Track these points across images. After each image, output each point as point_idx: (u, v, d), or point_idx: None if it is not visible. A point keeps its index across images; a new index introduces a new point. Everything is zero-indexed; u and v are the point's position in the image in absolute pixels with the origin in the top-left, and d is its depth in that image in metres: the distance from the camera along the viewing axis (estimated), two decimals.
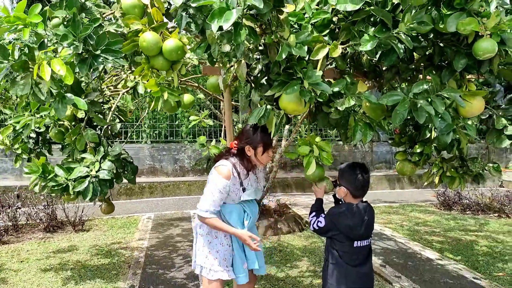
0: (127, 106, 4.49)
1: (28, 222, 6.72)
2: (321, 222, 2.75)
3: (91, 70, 2.32)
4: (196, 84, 5.23)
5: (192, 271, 4.65)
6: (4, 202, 6.99)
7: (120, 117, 4.14)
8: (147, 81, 2.68)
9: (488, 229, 6.34)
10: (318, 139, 3.04)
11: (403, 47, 2.53)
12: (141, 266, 4.85)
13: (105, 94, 4.10)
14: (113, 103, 4.03)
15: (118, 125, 4.04)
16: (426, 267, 4.73)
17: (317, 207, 2.87)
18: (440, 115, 2.50)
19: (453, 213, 7.47)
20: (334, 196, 2.96)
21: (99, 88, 3.39)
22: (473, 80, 3.36)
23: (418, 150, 3.46)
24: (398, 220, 7.00)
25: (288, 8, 2.45)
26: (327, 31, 2.67)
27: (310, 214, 2.85)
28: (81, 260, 5.09)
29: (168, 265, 4.88)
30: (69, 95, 2.68)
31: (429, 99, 2.48)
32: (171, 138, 10.40)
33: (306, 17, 2.57)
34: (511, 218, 6.93)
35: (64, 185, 3.22)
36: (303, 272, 4.61)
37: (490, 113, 3.18)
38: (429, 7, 2.38)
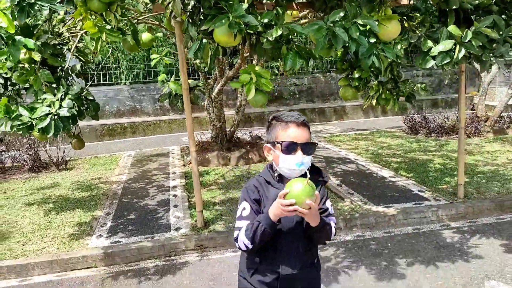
0: (88, 47, 4.64)
1: (14, 164, 7.06)
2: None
3: (29, 16, 2.51)
4: (157, 22, 5.35)
5: (164, 199, 5.08)
6: None
7: (80, 57, 4.32)
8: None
9: (446, 149, 6.75)
10: (257, 67, 3.28)
11: None
12: (118, 197, 5.27)
13: (63, 36, 4.24)
14: (72, 45, 4.20)
15: (78, 66, 4.25)
16: (378, 184, 5.17)
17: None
18: (356, 41, 2.75)
19: (419, 136, 7.86)
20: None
21: (50, 30, 3.55)
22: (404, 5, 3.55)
23: (357, 75, 3.73)
24: (365, 145, 7.40)
25: None
26: None
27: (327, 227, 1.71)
28: (63, 194, 5.49)
29: (142, 195, 5.30)
30: (18, 37, 2.87)
31: (347, 26, 2.71)
32: (150, 78, 10.51)
33: None
34: (471, 138, 7.33)
35: (29, 124, 3.50)
36: None
37: (419, 35, 3.41)
38: None
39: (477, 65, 7.98)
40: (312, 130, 9.38)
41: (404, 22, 3.48)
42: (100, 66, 10.24)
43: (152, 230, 4.19)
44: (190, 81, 4.17)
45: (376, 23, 2.78)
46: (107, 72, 10.33)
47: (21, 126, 3.50)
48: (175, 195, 5.21)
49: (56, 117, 3.51)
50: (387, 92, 3.72)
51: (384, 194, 4.80)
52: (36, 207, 5.04)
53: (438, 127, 7.75)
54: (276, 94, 10.81)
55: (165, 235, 4.06)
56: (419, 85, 3.65)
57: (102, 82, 10.27)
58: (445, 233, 4.02)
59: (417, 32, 3.37)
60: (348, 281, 3.28)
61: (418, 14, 3.39)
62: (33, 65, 3.46)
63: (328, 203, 1.77)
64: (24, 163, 6.97)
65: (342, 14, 2.69)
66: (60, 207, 5.00)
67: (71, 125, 3.66)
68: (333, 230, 1.73)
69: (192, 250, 3.92)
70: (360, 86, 3.81)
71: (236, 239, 1.67)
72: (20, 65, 3.76)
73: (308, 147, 1.64)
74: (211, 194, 5.15)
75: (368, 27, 2.79)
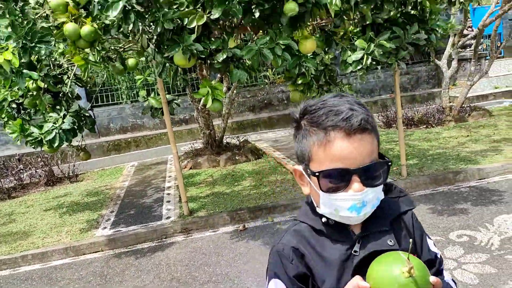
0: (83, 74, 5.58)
1: (31, 180, 8.03)
2: None
3: (32, 55, 3.44)
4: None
5: (159, 197, 5.98)
6: (9, 167, 8.30)
7: (78, 83, 5.26)
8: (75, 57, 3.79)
9: (410, 138, 7.53)
10: (213, 82, 4.17)
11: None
12: (120, 198, 6.18)
13: (63, 67, 5.20)
14: (71, 73, 5.15)
15: (76, 90, 5.20)
16: None
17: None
18: (280, 56, 3.62)
19: (391, 130, 8.65)
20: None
21: (50, 64, 4.50)
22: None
23: (300, 82, 4.60)
24: None
25: None
26: (199, 5, 3.73)
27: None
28: (74, 200, 6.43)
29: (141, 195, 6.21)
30: (25, 71, 3.82)
31: (271, 47, 3.59)
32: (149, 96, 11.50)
33: None
34: (434, 127, 8.10)
35: (39, 139, 4.44)
36: (245, 187, 5.91)
37: (342, 48, 4.27)
38: None
39: (438, 62, 8.79)
40: None
41: (334, 37, 4.35)
42: (103, 88, 11.26)
43: (147, 220, 5.09)
44: (167, 96, 5.07)
45: (295, 42, 3.65)
46: (109, 93, 11.35)
47: (33, 141, 4.45)
48: (168, 193, 6.11)
49: (60, 130, 4.45)
50: (325, 93, 4.57)
51: None
52: (52, 212, 5.97)
53: (407, 120, 8.54)
54: (265, 101, 11.69)
55: (157, 223, 4.95)
56: (346, 86, 4.50)
57: (106, 103, 11.28)
58: None
59: (340, 44, 4.23)
60: None
61: (340, 29, 4.25)
62: (39, 91, 4.40)
63: (430, 244, 1.12)
64: (40, 178, 7.95)
65: (267, 38, 3.57)
66: (72, 210, 5.93)
67: (72, 137, 4.60)
68: (452, 286, 1.06)
69: (179, 233, 4.79)
70: (305, 89, 4.68)
71: None
72: (30, 93, 4.73)
73: (373, 172, 0.95)
74: (199, 190, 6.04)
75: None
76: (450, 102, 8.61)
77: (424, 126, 8.30)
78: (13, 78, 4.01)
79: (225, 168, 7.23)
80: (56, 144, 4.27)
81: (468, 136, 7.01)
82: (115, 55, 5.11)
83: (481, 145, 6.37)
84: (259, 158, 7.73)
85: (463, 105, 8.44)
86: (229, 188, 5.97)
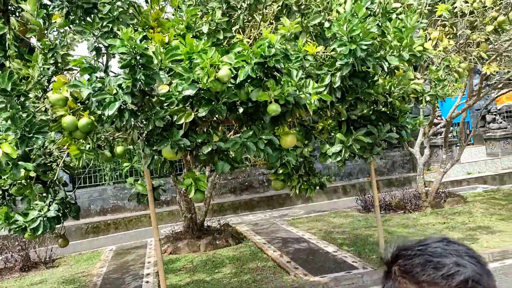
0: (73, 161, 5.73)
1: (6, 265, 7.76)
2: None
3: (28, 146, 3.61)
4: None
5: (137, 286, 5.87)
6: None
7: (66, 170, 5.39)
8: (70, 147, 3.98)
9: (389, 224, 7.72)
10: (197, 173, 4.36)
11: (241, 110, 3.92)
12: (97, 287, 6.02)
13: (53, 155, 5.35)
14: (60, 161, 5.29)
15: (64, 177, 5.30)
16: (321, 258, 6.06)
17: None
18: (263, 150, 3.88)
19: (370, 214, 8.85)
20: None
21: (43, 154, 4.66)
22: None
23: (281, 172, 4.84)
24: (320, 226, 8.34)
25: (163, 88, 3.83)
26: (188, 103, 4.03)
27: None
28: None
29: (119, 283, 6.07)
30: (20, 162, 3.96)
31: (254, 141, 3.86)
32: (132, 177, 11.60)
33: (174, 96, 3.91)
34: (411, 213, 8.35)
35: (23, 226, 4.45)
36: (225, 274, 5.87)
37: (321, 141, 4.59)
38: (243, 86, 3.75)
39: (411, 149, 9.27)
40: (278, 214, 10.35)
41: (313, 131, 4.68)
42: (86, 170, 11.34)
43: None
44: (153, 182, 5.22)
45: (276, 138, 3.94)
46: (92, 175, 11.41)
47: (17, 229, 4.45)
48: (147, 282, 6.00)
49: (44, 218, 4.48)
50: (305, 183, 4.80)
51: (324, 266, 5.68)
52: None
53: (385, 204, 8.79)
54: (246, 184, 11.89)
55: None
56: (325, 177, 4.76)
57: (88, 184, 11.29)
58: None
59: (319, 138, 4.55)
60: None
61: (319, 124, 4.60)
62: (28, 180, 4.50)
63: None
64: (16, 263, 7.70)
65: (251, 132, 3.85)
66: None
67: (56, 225, 4.62)
68: None
69: None
70: (286, 179, 4.91)
71: None
72: (18, 181, 4.81)
73: None
74: (179, 277, 5.95)
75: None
76: (425, 187, 8.96)
77: (402, 211, 8.54)
78: (8, 169, 4.12)
79: (205, 253, 7.18)
80: (39, 232, 4.29)
81: (444, 223, 7.24)
82: (105, 143, 5.33)
83: (458, 232, 6.58)
84: (240, 242, 7.72)
85: (438, 191, 8.78)
86: (209, 275, 5.91)
